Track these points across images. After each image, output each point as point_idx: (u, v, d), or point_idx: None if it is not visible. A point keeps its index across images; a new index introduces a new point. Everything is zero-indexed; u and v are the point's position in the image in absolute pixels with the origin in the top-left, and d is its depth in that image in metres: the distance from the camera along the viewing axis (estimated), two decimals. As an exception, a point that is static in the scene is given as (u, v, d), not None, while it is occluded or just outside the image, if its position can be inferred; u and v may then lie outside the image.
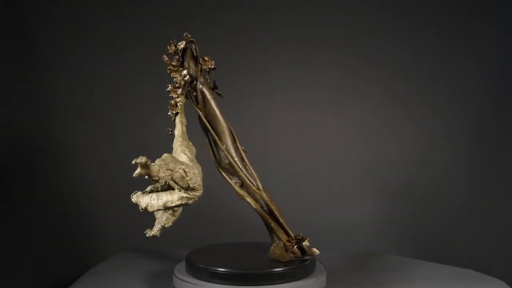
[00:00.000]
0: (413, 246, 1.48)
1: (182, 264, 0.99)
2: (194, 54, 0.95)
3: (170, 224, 0.86)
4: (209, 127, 0.94)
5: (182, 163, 0.70)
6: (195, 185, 0.71)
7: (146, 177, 0.63)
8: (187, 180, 0.70)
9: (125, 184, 1.50)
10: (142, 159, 0.62)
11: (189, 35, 0.92)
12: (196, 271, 0.92)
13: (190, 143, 0.83)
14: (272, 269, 0.90)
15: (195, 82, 0.94)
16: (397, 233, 1.50)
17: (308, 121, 1.51)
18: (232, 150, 0.95)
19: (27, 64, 1.41)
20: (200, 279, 0.91)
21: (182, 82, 0.88)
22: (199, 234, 1.38)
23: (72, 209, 1.44)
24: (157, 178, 0.64)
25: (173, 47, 0.92)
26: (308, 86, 1.51)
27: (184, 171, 0.69)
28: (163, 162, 0.65)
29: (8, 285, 1.35)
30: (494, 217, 1.50)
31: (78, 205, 1.45)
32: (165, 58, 0.91)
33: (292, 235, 0.94)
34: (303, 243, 0.92)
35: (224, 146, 0.94)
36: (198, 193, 0.73)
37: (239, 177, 0.94)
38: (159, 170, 0.64)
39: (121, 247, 1.35)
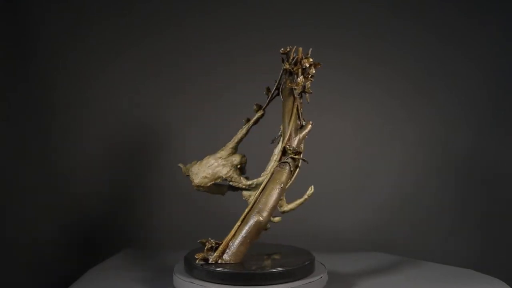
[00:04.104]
0: (413, 246, 1.48)
1: (182, 264, 0.99)
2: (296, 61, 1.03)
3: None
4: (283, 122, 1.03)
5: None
6: (189, 176, 1.02)
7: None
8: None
9: (124, 184, 1.51)
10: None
11: (282, 50, 1.01)
12: (195, 271, 0.92)
13: (226, 151, 1.03)
14: (272, 269, 0.90)
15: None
16: (397, 233, 1.50)
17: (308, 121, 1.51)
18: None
19: (26, 63, 1.41)
20: (200, 279, 0.91)
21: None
22: (198, 234, 1.37)
23: (72, 209, 1.44)
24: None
25: (287, 66, 1.02)
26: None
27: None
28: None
29: (8, 285, 1.35)
30: (494, 217, 1.50)
31: (77, 205, 1.45)
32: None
33: (224, 240, 0.94)
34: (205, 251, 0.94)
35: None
36: (192, 183, 1.02)
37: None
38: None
39: (121, 247, 1.36)
